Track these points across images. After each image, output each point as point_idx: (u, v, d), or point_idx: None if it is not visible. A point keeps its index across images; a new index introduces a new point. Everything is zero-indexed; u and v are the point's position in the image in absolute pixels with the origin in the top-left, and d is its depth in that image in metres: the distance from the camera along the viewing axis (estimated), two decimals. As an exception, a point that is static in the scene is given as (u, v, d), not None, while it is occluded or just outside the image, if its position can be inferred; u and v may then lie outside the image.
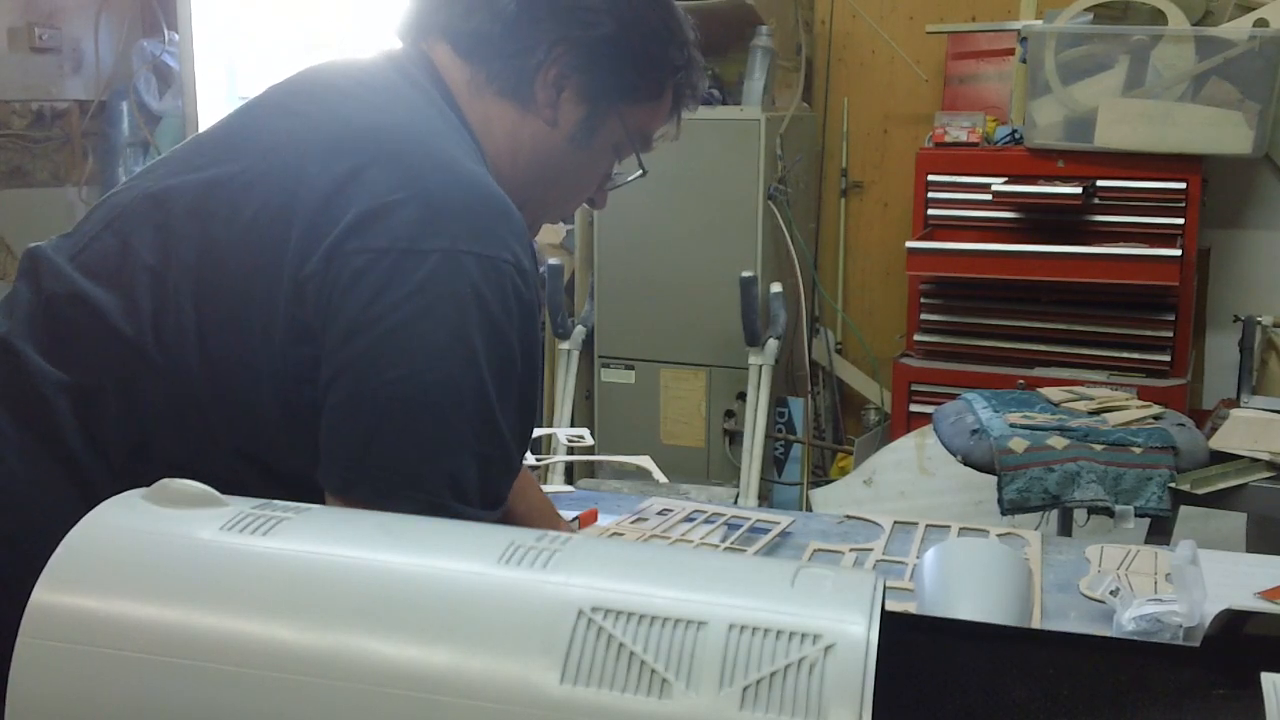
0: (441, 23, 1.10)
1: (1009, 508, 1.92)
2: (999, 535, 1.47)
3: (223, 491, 0.58)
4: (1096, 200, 2.94)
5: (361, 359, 0.89)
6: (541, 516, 1.37)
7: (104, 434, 0.94)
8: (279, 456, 0.94)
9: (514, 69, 1.08)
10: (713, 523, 1.51)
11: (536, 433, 1.31)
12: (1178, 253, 2.78)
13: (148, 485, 0.58)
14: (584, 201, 1.22)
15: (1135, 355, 2.98)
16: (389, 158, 0.94)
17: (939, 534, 1.47)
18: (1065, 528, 2.10)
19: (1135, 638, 1.10)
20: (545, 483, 1.98)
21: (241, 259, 0.93)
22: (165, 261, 0.95)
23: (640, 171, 1.20)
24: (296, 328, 0.91)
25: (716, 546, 1.43)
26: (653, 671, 0.46)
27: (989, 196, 2.97)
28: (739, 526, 1.49)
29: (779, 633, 0.47)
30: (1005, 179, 2.98)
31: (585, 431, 1.95)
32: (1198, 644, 0.56)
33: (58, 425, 0.94)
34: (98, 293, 0.96)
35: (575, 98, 1.10)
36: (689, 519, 1.53)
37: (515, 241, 0.95)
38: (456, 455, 0.91)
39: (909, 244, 3.01)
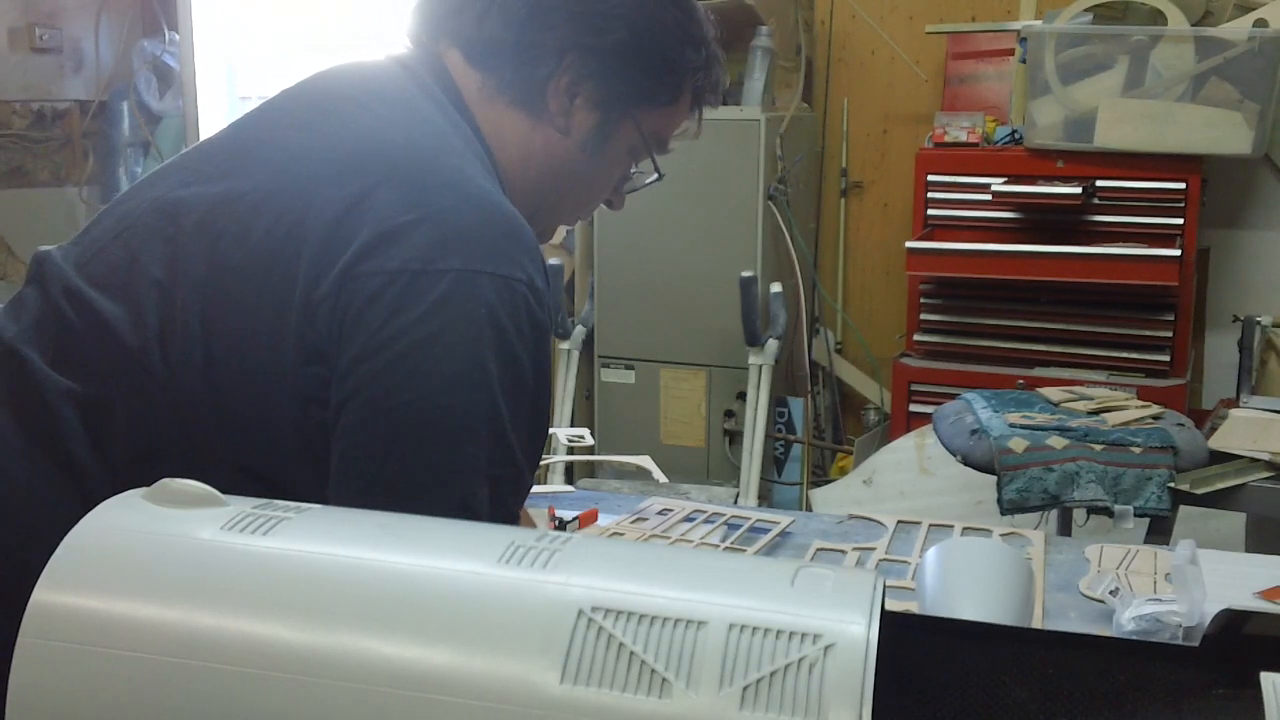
0: (453, 29, 1.09)
1: (1008, 508, 1.92)
2: (1002, 535, 1.47)
3: None
4: (1096, 200, 2.94)
5: (375, 382, 0.89)
6: None
7: (110, 444, 0.93)
8: (284, 473, 0.94)
9: (525, 79, 1.07)
10: (713, 523, 1.51)
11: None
12: (1177, 253, 2.78)
13: None
14: (601, 204, 1.21)
15: (1135, 355, 2.98)
16: (400, 178, 0.94)
17: (942, 533, 1.47)
18: (1065, 528, 2.10)
19: (1135, 637, 1.10)
20: (545, 483, 1.98)
21: (250, 279, 0.93)
22: (173, 277, 0.95)
23: (656, 175, 1.18)
24: (307, 349, 0.91)
25: (716, 546, 1.43)
26: (653, 671, 0.46)
27: (989, 196, 2.98)
28: (739, 526, 1.49)
29: (779, 632, 0.47)
30: (1005, 179, 2.98)
31: (585, 431, 1.95)
32: (1197, 644, 0.56)
33: (64, 434, 0.93)
34: (105, 303, 0.95)
35: (588, 105, 1.09)
36: (689, 519, 1.53)
37: (528, 261, 0.94)
38: (469, 479, 0.91)
39: (909, 244, 3.01)
